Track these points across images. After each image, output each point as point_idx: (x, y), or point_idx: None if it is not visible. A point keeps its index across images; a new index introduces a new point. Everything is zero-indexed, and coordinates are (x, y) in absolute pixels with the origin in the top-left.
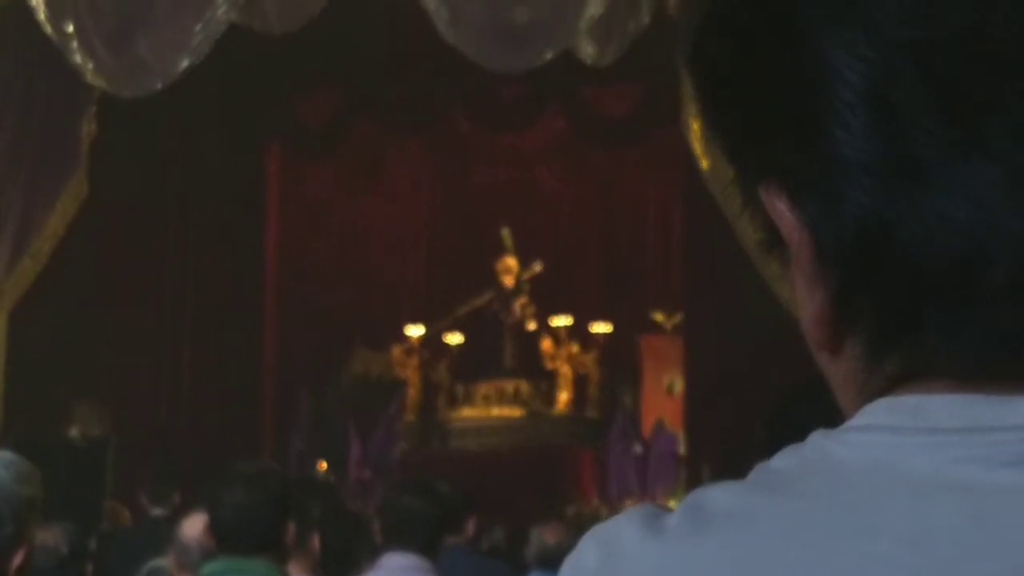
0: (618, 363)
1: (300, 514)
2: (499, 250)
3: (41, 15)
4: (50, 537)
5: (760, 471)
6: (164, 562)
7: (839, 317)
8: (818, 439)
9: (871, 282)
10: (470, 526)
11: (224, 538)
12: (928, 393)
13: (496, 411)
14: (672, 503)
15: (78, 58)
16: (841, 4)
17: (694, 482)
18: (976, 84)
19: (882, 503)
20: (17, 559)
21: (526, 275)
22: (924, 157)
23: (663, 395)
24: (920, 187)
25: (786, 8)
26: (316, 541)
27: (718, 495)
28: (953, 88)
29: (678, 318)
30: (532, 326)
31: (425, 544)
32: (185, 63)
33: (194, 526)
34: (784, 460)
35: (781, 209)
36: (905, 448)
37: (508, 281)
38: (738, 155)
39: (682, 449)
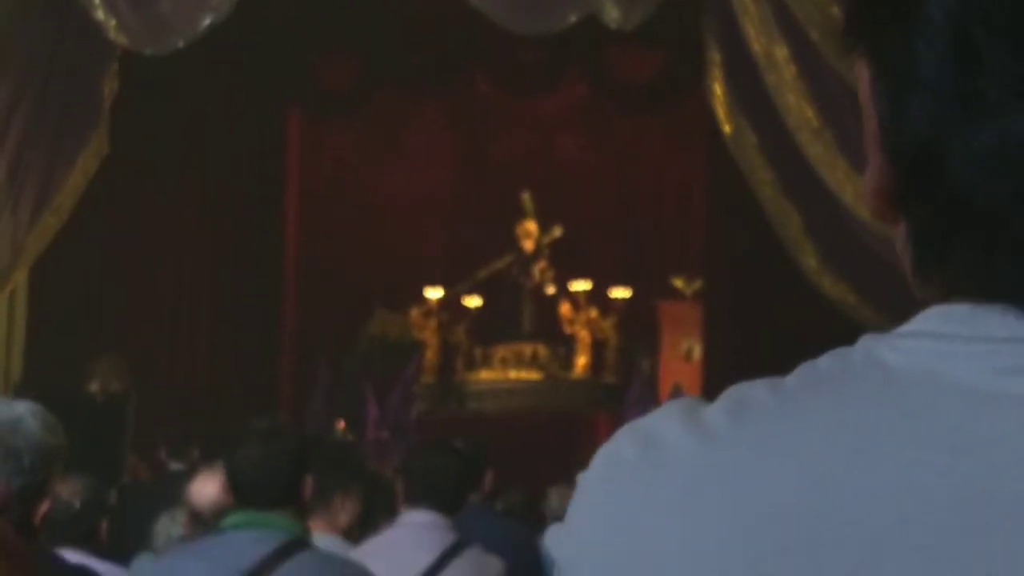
0: (636, 328)
1: (321, 473)
2: (519, 214)
3: None
4: (66, 490)
5: (806, 370)
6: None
7: (891, 200)
8: (868, 342)
9: (918, 194)
10: (488, 480)
11: (241, 493)
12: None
13: (514, 374)
14: None
15: (101, 15)
16: None
17: None
18: None
19: (930, 410)
20: (43, 507)
21: (546, 239)
22: (985, 93)
23: (681, 361)
24: (975, 120)
25: None
26: (339, 500)
27: (761, 392)
28: None
29: (697, 284)
30: (551, 290)
31: (446, 502)
32: (207, 21)
33: (204, 487)
34: (831, 361)
35: (863, 76)
36: (955, 356)
37: (528, 245)
38: (851, 10)
39: None
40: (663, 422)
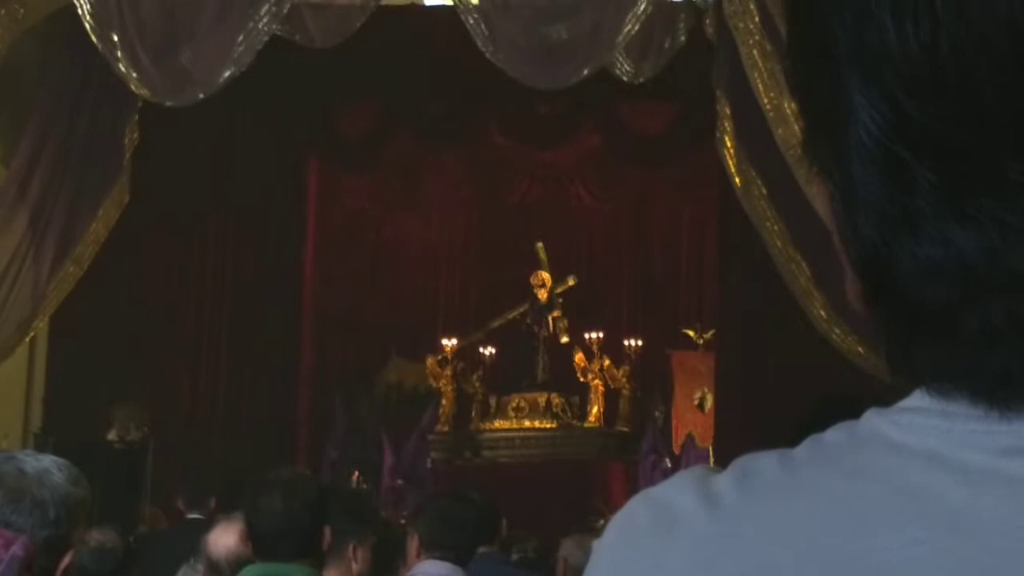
0: (649, 378)
1: (335, 522)
2: (533, 264)
3: (87, 25)
4: (108, 540)
5: (813, 443)
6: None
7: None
8: (872, 418)
9: (877, 301)
10: (502, 529)
11: (262, 545)
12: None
13: (528, 423)
14: None
15: (123, 68)
16: (863, 54)
17: None
18: (972, 147)
19: (933, 488)
20: (65, 560)
21: (559, 289)
22: (921, 210)
23: (693, 410)
24: (916, 235)
25: (827, 41)
26: (351, 548)
27: (769, 464)
28: (952, 151)
29: (710, 334)
30: (565, 340)
31: (460, 552)
32: (227, 74)
33: (221, 537)
34: (838, 435)
35: (824, 193)
36: (956, 434)
37: (541, 295)
38: (802, 123)
39: (712, 464)
40: (675, 491)
